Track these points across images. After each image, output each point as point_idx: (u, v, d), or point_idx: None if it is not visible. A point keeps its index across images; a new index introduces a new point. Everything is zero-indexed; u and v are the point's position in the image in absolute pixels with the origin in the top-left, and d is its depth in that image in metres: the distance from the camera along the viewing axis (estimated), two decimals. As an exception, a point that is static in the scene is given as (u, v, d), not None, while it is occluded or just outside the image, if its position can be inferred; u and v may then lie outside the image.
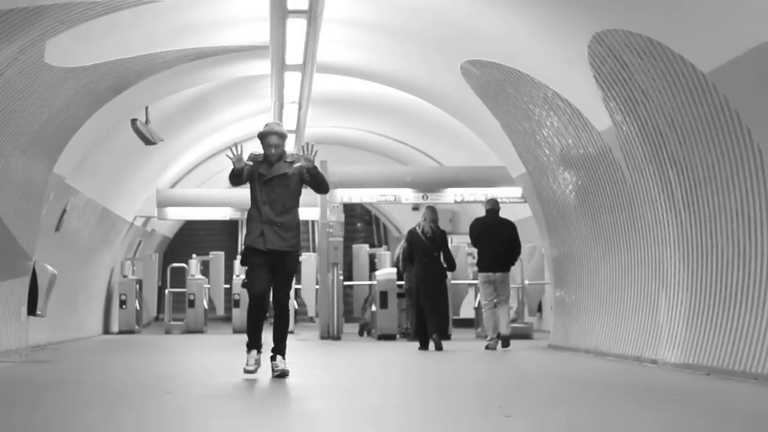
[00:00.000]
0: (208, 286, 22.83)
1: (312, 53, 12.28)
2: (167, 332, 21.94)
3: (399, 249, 17.71)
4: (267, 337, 9.59)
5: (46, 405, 7.50)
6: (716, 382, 9.24)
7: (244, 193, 10.38)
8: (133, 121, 15.90)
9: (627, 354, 12.11)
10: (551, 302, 16.73)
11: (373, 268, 21.43)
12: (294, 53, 12.35)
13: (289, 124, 16.82)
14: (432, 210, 15.40)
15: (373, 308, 18.71)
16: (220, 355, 13.91)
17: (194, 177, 25.11)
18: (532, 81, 12.56)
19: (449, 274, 16.01)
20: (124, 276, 21.92)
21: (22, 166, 12.97)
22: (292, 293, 19.71)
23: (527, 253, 19.67)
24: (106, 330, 21.36)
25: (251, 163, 9.63)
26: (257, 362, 9.52)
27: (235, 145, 9.65)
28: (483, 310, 15.16)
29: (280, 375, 9.43)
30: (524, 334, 18.56)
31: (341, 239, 18.54)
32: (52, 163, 14.13)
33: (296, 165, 9.65)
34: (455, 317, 19.88)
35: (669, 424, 6.41)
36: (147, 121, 16.17)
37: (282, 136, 9.64)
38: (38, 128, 12.77)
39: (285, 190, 9.61)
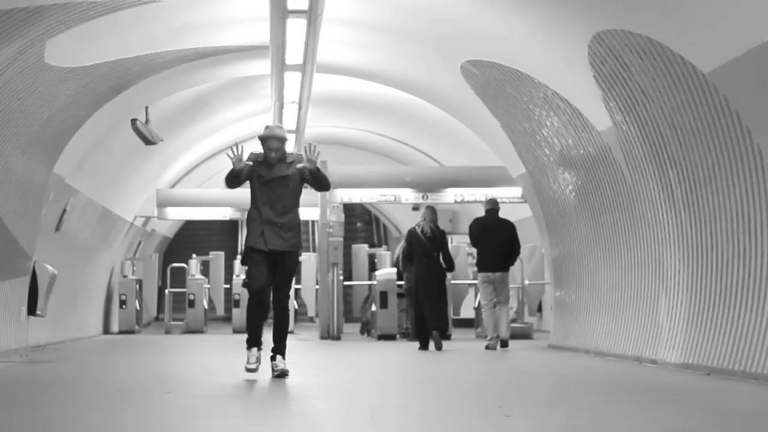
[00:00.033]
0: (208, 286, 22.82)
1: (312, 53, 12.28)
2: (167, 332, 21.94)
3: (399, 249, 17.71)
4: (267, 337, 9.59)
5: (46, 405, 7.50)
6: (716, 382, 9.24)
7: (244, 193, 10.37)
8: (133, 121, 15.90)
9: (627, 354, 12.11)
10: (551, 302, 16.73)
11: (373, 268, 21.42)
12: (294, 53, 12.35)
13: (289, 124, 16.82)
14: (431, 210, 15.40)
15: (373, 308, 18.71)
16: (220, 355, 13.90)
17: (194, 177, 25.11)
18: (532, 81, 12.56)
19: (449, 274, 16.01)
20: (124, 276, 21.92)
21: (22, 166, 12.97)
22: (292, 293, 19.72)
23: (527, 253, 19.67)
24: (106, 330, 21.36)
25: (251, 163, 9.62)
26: (258, 360, 9.52)
27: (236, 144, 9.65)
28: (483, 310, 15.17)
29: (280, 375, 9.43)
30: (524, 334, 18.56)
31: (341, 239, 18.55)
32: (52, 163, 14.13)
33: (298, 166, 9.65)
34: (455, 317, 19.88)
35: (669, 424, 6.41)
36: (147, 121, 16.17)
37: (283, 140, 9.62)
38: (38, 128, 12.77)
39: (285, 190, 9.61)
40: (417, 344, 15.11)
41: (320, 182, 9.65)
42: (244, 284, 9.78)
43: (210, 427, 6.28)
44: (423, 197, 18.75)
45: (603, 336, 13.11)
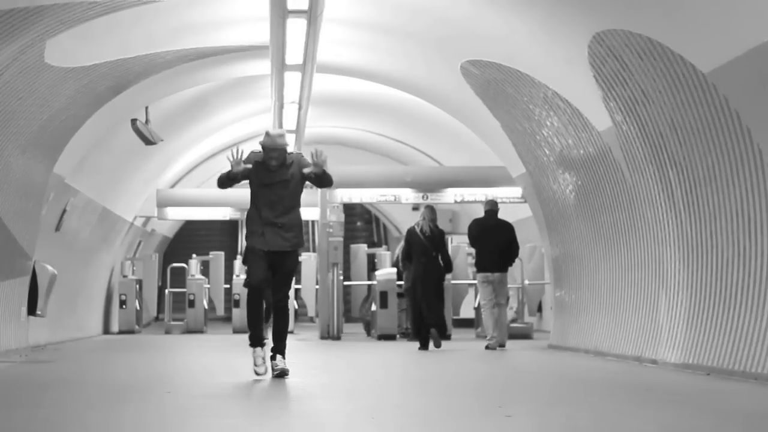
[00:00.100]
0: (208, 286, 22.82)
1: (312, 53, 12.28)
2: (167, 332, 21.94)
3: (399, 249, 17.71)
4: (267, 337, 9.59)
5: (46, 405, 7.50)
6: (716, 382, 9.24)
7: (244, 193, 10.36)
8: (133, 121, 15.90)
9: (627, 354, 12.11)
10: (551, 302, 16.74)
11: (373, 267, 21.42)
12: (294, 53, 12.35)
13: (289, 124, 16.81)
14: (431, 209, 15.42)
15: (373, 308, 18.71)
16: (220, 355, 13.90)
17: (194, 177, 25.11)
18: (532, 81, 12.56)
19: (448, 274, 16.02)
20: (124, 276, 21.92)
21: (22, 166, 12.97)
22: (291, 293, 19.72)
23: (527, 253, 19.67)
24: (106, 330, 21.36)
25: (250, 166, 9.59)
26: (264, 361, 9.50)
27: (236, 148, 9.63)
28: (482, 310, 15.18)
29: (280, 374, 9.42)
30: (524, 334, 18.56)
31: (341, 239, 18.55)
32: (52, 163, 14.13)
33: (305, 171, 9.58)
34: (455, 317, 19.88)
35: (669, 424, 6.41)
36: (147, 121, 16.17)
37: (284, 150, 9.57)
38: (38, 128, 12.77)
39: (285, 191, 9.57)
40: (417, 344, 15.11)
41: (323, 181, 9.62)
42: (245, 284, 9.76)
43: (210, 427, 6.28)
44: (423, 197, 18.75)
45: (603, 336, 13.11)
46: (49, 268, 14.31)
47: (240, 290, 21.26)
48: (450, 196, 18.90)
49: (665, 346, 11.11)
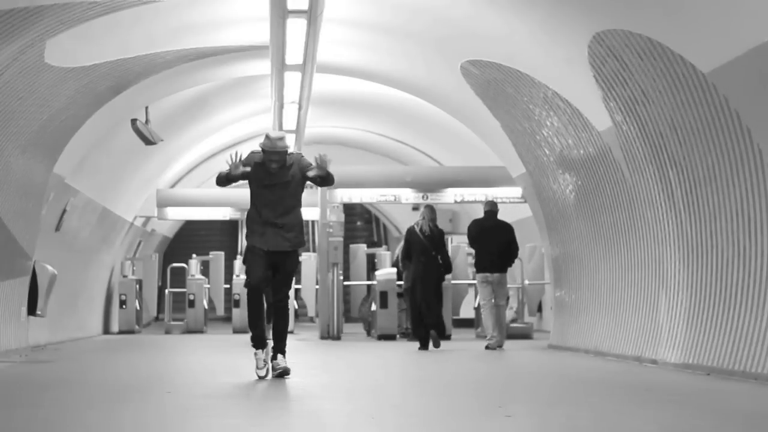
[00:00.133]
0: (208, 286, 22.82)
1: (312, 53, 12.28)
2: (167, 332, 21.94)
3: (399, 249, 17.72)
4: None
5: (46, 405, 7.50)
6: (716, 382, 9.24)
7: (244, 193, 10.36)
8: (133, 121, 15.90)
9: (627, 354, 12.11)
10: (551, 302, 16.74)
11: (372, 267, 21.42)
12: (294, 53, 12.34)
13: (289, 124, 16.81)
14: (430, 209, 15.43)
15: (373, 308, 18.71)
16: (221, 355, 13.90)
17: (194, 177, 25.11)
18: (532, 81, 12.56)
19: (448, 275, 16.05)
20: (124, 276, 21.92)
21: (22, 166, 12.97)
22: (291, 293, 19.71)
23: (527, 253, 19.68)
24: (106, 330, 21.36)
25: (248, 169, 9.58)
26: (266, 362, 9.50)
27: (236, 152, 9.62)
28: (482, 310, 15.20)
29: (282, 373, 9.43)
30: (524, 334, 18.56)
31: (341, 239, 18.55)
32: (52, 163, 14.13)
33: (309, 174, 9.56)
34: (455, 317, 19.89)
35: (669, 424, 6.41)
36: (147, 121, 16.17)
37: (284, 153, 9.55)
38: (38, 128, 12.77)
39: (285, 192, 9.56)
40: (417, 344, 15.12)
41: (326, 181, 9.60)
42: (246, 284, 9.75)
43: (210, 427, 6.28)
44: (423, 197, 18.75)
45: (603, 336, 13.11)
46: (49, 268, 14.31)
47: (240, 290, 21.26)
48: (450, 196, 18.90)
49: (665, 346, 11.11)
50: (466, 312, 20.94)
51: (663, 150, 10.61)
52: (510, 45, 12.12)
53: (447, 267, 15.34)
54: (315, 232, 26.21)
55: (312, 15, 10.75)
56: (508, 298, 18.67)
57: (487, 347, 14.71)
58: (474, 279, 16.48)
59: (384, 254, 20.87)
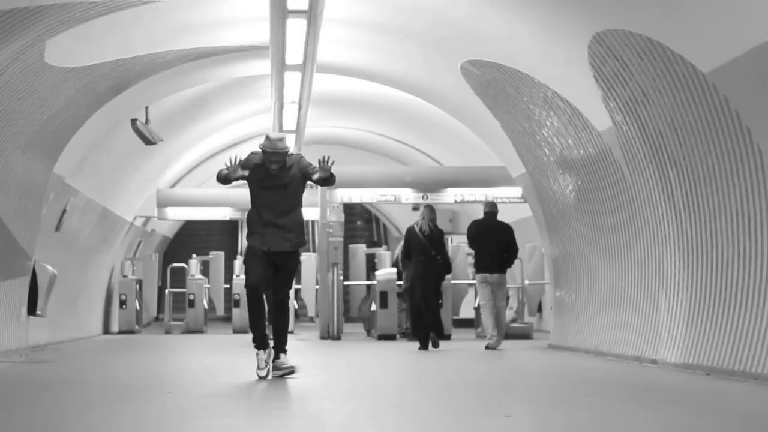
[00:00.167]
0: (208, 286, 22.82)
1: (312, 53, 12.28)
2: (167, 332, 21.94)
3: (399, 249, 17.72)
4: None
5: (46, 405, 7.50)
6: (716, 382, 9.24)
7: (244, 192, 10.36)
8: (133, 121, 15.90)
9: (627, 354, 12.11)
10: (551, 302, 16.74)
11: (372, 267, 21.41)
12: (294, 53, 12.34)
13: (289, 124, 16.80)
14: (430, 209, 15.45)
15: (373, 308, 18.71)
16: (221, 355, 13.90)
17: (194, 177, 25.11)
18: (532, 81, 12.56)
19: (447, 275, 16.05)
20: (124, 276, 21.92)
21: (22, 166, 12.97)
22: (291, 293, 19.71)
23: (527, 253, 19.68)
24: (106, 330, 21.36)
25: (246, 173, 9.59)
26: (267, 363, 9.50)
27: (235, 157, 9.63)
28: (482, 310, 15.22)
29: (289, 372, 9.45)
30: (524, 334, 18.56)
31: (341, 239, 18.55)
32: (52, 163, 14.12)
33: (314, 177, 9.53)
34: (455, 317, 19.88)
35: (669, 424, 6.41)
36: (147, 121, 16.17)
37: (284, 154, 9.54)
38: (38, 128, 12.77)
39: (285, 192, 9.56)
40: (417, 344, 15.12)
41: (329, 182, 9.58)
42: (246, 285, 9.76)
43: (210, 427, 6.28)
44: (423, 197, 18.75)
45: (603, 336, 13.11)
46: (49, 268, 14.31)
47: (240, 290, 21.27)
48: (450, 196, 18.90)
49: (665, 346, 11.11)
50: (466, 312, 20.93)
51: (663, 150, 10.61)
52: (510, 45, 12.12)
53: (447, 267, 15.36)
54: (315, 232, 26.21)
55: (312, 15, 10.75)
56: (508, 298, 18.69)
57: (487, 347, 14.72)
58: (474, 279, 16.49)
59: (384, 254, 20.87)
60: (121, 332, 21.30)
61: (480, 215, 15.96)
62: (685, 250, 10.70)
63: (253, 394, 8.40)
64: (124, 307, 21.46)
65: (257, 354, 9.50)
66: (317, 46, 12.20)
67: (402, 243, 16.26)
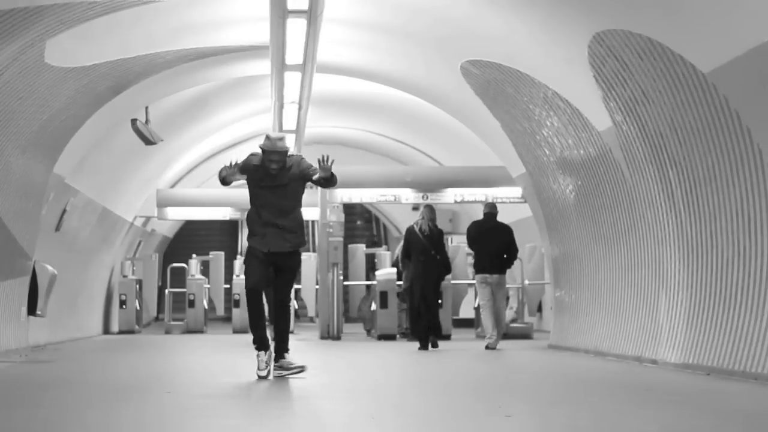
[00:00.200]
0: (208, 286, 22.82)
1: (312, 53, 12.28)
2: (167, 332, 21.94)
3: (398, 249, 17.72)
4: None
5: (46, 405, 7.50)
6: (716, 382, 9.24)
7: (244, 192, 10.36)
8: (133, 121, 15.90)
9: (627, 354, 12.11)
10: (551, 302, 16.74)
11: (372, 267, 21.41)
12: (294, 53, 12.35)
13: (289, 124, 16.81)
14: (430, 209, 15.46)
15: (373, 307, 18.71)
16: (221, 356, 13.90)
17: (194, 177, 25.11)
18: (532, 81, 12.56)
19: (448, 276, 16.06)
20: (124, 276, 21.92)
21: (22, 166, 12.97)
22: (291, 293, 19.70)
23: (527, 253, 19.68)
24: (106, 330, 21.36)
25: (245, 176, 9.60)
26: (268, 364, 9.51)
27: (236, 160, 9.64)
28: (481, 310, 15.24)
29: (298, 371, 9.47)
30: (524, 334, 18.56)
31: (341, 239, 18.55)
32: (52, 163, 14.12)
33: (314, 177, 9.53)
34: (455, 317, 19.89)
35: (669, 424, 6.41)
36: (147, 121, 16.17)
37: (284, 153, 9.54)
38: (38, 128, 12.77)
39: (285, 193, 9.56)
40: (417, 344, 15.13)
41: (329, 182, 9.57)
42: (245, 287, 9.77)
43: (210, 427, 6.28)
44: (423, 197, 18.75)
45: (603, 336, 13.11)
46: (49, 268, 14.31)
47: (240, 290, 21.27)
48: (450, 196, 18.90)
49: (665, 346, 11.11)
50: (466, 312, 20.93)
51: (663, 150, 10.61)
52: (510, 45, 12.12)
53: (446, 267, 15.37)
54: (315, 232, 26.21)
55: (312, 15, 10.75)
56: (508, 298, 18.68)
57: (486, 347, 14.73)
58: (473, 279, 16.50)
59: (384, 254, 20.88)
60: (121, 332, 21.30)
61: (480, 215, 15.97)
62: (685, 250, 10.70)
63: (253, 394, 8.40)
64: (124, 307, 21.46)
65: (258, 355, 9.50)
66: (317, 46, 12.20)
67: (402, 243, 16.27)
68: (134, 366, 11.83)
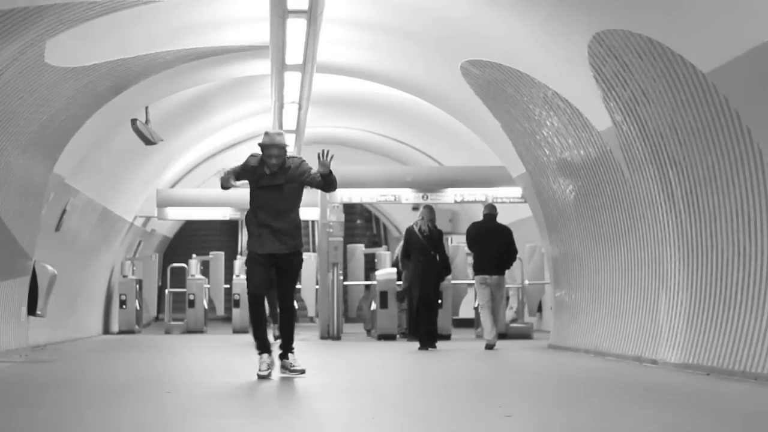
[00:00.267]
0: (208, 286, 22.82)
1: (312, 53, 12.28)
2: (167, 332, 21.94)
3: (398, 249, 17.72)
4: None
5: (46, 405, 7.50)
6: (716, 382, 9.24)
7: (243, 192, 10.37)
8: (133, 121, 15.90)
9: (627, 354, 12.11)
10: (551, 302, 16.74)
11: (372, 267, 21.41)
12: (294, 53, 12.35)
13: (289, 124, 16.81)
14: (430, 209, 15.47)
15: (373, 307, 18.70)
16: (221, 355, 13.90)
17: (194, 177, 25.11)
18: (532, 81, 12.56)
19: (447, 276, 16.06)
20: (124, 276, 21.92)
21: (22, 166, 12.97)
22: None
23: (527, 253, 19.68)
24: (106, 330, 21.36)
25: (242, 182, 9.62)
26: (269, 366, 9.52)
27: (233, 168, 9.67)
28: (480, 310, 15.25)
29: (300, 373, 9.48)
30: (524, 334, 18.56)
31: (341, 239, 18.55)
32: (52, 163, 14.13)
33: (312, 172, 9.53)
34: (455, 317, 19.89)
35: (669, 424, 6.41)
36: (147, 121, 16.17)
37: (283, 148, 9.55)
38: (38, 128, 12.77)
39: (283, 194, 9.57)
40: (416, 344, 15.13)
41: (329, 183, 9.57)
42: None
43: (210, 427, 6.28)
44: (423, 197, 18.75)
45: (603, 336, 13.11)
46: (49, 268, 14.31)
47: (240, 290, 21.28)
48: (450, 196, 18.90)
49: (665, 346, 11.11)
50: (466, 312, 20.93)
51: (663, 150, 10.61)
52: (510, 45, 12.12)
53: (446, 267, 15.39)
54: (315, 232, 26.22)
55: (312, 15, 10.75)
56: (508, 298, 18.68)
57: (486, 347, 14.73)
58: (473, 279, 16.50)
59: (384, 254, 20.88)
60: (120, 332, 21.30)
61: (480, 215, 15.98)
62: (685, 250, 10.70)
63: (253, 394, 8.40)
64: (124, 307, 21.46)
65: (259, 357, 9.52)
66: (317, 46, 12.20)
67: (402, 243, 16.27)
68: (134, 366, 11.83)
